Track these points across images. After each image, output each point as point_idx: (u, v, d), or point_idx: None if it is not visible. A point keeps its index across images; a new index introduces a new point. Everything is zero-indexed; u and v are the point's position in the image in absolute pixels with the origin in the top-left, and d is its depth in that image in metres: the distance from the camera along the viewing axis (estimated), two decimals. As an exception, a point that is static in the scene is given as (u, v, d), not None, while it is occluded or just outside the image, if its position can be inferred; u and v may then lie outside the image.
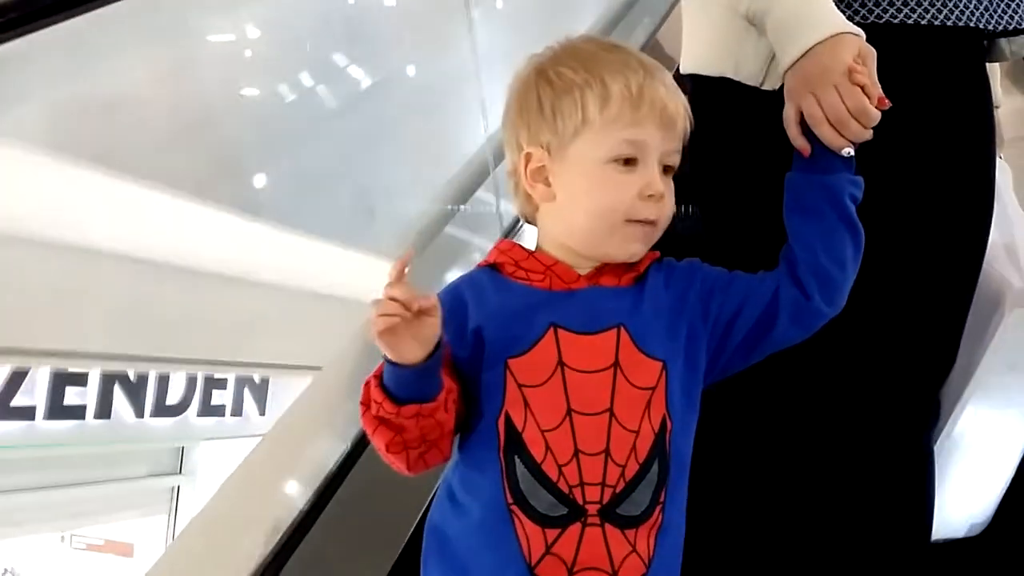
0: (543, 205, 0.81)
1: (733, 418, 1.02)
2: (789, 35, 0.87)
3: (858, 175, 0.83)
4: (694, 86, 1.10)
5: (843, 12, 0.94)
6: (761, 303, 0.79)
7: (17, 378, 4.66)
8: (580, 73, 0.77)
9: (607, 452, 0.71)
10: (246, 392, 5.87)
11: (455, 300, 0.78)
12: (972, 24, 1.01)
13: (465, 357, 0.76)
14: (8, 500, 4.88)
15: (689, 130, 0.81)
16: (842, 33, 0.84)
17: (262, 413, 5.86)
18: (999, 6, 1.03)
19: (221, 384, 5.67)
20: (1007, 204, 1.33)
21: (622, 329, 0.75)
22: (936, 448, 1.22)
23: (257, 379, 5.92)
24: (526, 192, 0.81)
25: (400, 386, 0.70)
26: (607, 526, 0.70)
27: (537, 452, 0.71)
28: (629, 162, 0.77)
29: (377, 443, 0.73)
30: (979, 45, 1.06)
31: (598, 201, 0.77)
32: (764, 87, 0.97)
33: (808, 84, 0.83)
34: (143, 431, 5.17)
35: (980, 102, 1.06)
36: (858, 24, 0.90)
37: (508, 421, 0.72)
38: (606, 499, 0.71)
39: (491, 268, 0.81)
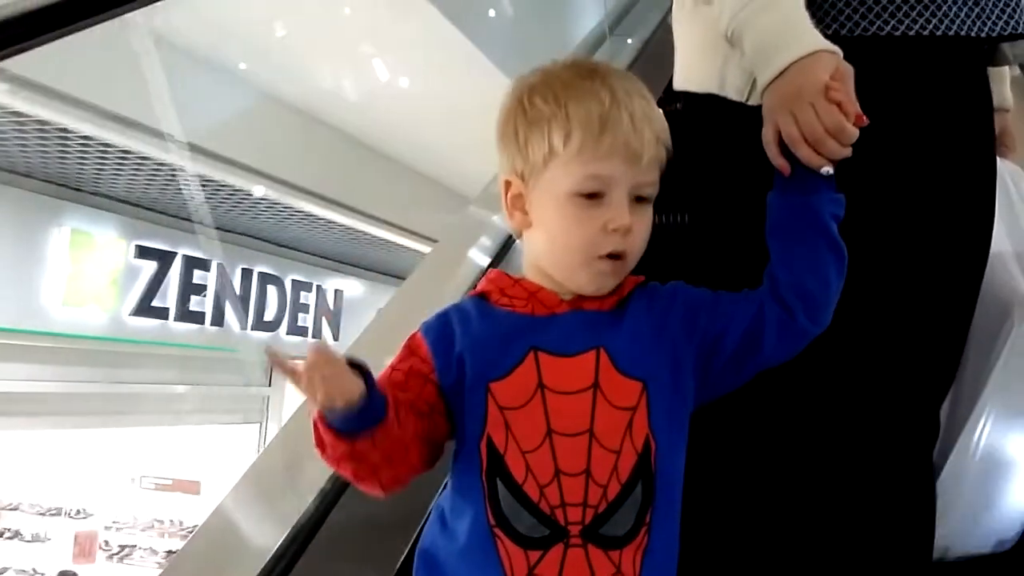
0: (524, 231, 0.82)
1: (734, 435, 1.02)
2: (766, 55, 0.86)
3: (840, 192, 0.81)
4: (685, 102, 1.09)
5: (828, 25, 0.95)
6: (745, 322, 0.79)
7: (156, 283, 5.58)
8: (549, 104, 0.78)
9: (588, 472, 0.72)
10: (323, 321, 6.64)
11: (444, 326, 0.79)
12: (962, 33, 0.97)
13: (451, 383, 0.76)
14: (134, 389, 5.69)
15: (666, 157, 0.79)
16: (818, 51, 0.83)
17: (336, 339, 6.58)
18: (992, 12, 0.99)
19: (305, 308, 6.35)
20: (1021, 214, 1.26)
21: (601, 350, 0.75)
22: (952, 463, 1.23)
23: (332, 307, 6.76)
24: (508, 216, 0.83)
25: (345, 422, 0.70)
26: (590, 547, 0.71)
27: (518, 473, 0.72)
28: (594, 196, 0.76)
29: (346, 476, 0.74)
30: (975, 52, 1.02)
31: (565, 235, 0.77)
32: (750, 103, 0.96)
33: (785, 103, 0.82)
34: (245, 341, 6.05)
35: (976, 111, 1.02)
36: (843, 38, 0.89)
37: (490, 444, 0.73)
38: (588, 520, 0.72)
39: (479, 297, 0.81)
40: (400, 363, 0.78)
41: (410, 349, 0.79)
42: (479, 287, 0.82)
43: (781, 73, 0.84)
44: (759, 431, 1.01)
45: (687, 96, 1.08)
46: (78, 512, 7.38)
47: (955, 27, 0.97)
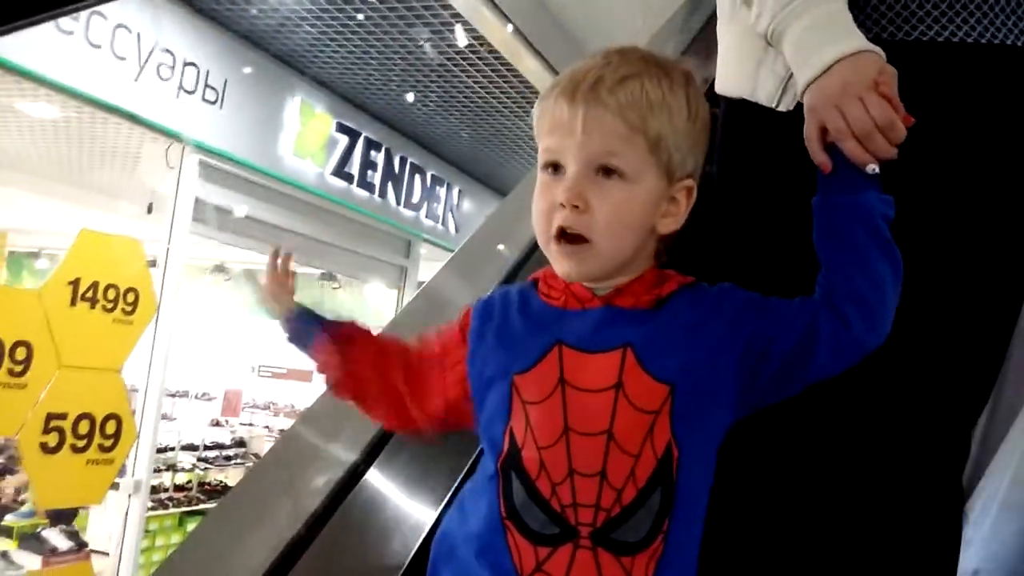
0: None
1: (760, 446, 0.99)
2: (810, 52, 0.84)
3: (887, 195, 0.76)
4: (724, 106, 1.07)
5: (870, 29, 0.93)
6: (798, 331, 0.73)
7: (347, 153, 6.97)
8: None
9: (603, 474, 0.70)
10: (450, 213, 7.43)
11: (488, 307, 0.81)
12: (1008, 42, 0.94)
13: (481, 365, 0.77)
14: (322, 237, 6.78)
15: (642, 128, 0.74)
16: (864, 50, 0.81)
17: (456, 231, 7.41)
18: None
19: (438, 199, 7.30)
20: None
21: (628, 349, 0.72)
22: (986, 483, 1.26)
23: (455, 200, 7.73)
24: None
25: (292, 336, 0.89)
26: (599, 550, 0.69)
27: (532, 469, 0.71)
28: (556, 169, 0.75)
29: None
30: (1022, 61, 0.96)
31: (532, 210, 0.77)
32: (779, 108, 0.95)
33: (832, 99, 0.79)
34: (398, 216, 7.35)
35: (1021, 120, 0.96)
36: (884, 41, 0.86)
37: (511, 437, 0.73)
38: (600, 522, 0.70)
39: (531, 283, 0.81)
40: (446, 329, 0.84)
41: (460, 320, 0.82)
42: (535, 273, 0.82)
43: (826, 70, 0.81)
44: (786, 443, 1.00)
45: (725, 101, 1.07)
46: (203, 395, 8.49)
47: (1000, 35, 0.94)
